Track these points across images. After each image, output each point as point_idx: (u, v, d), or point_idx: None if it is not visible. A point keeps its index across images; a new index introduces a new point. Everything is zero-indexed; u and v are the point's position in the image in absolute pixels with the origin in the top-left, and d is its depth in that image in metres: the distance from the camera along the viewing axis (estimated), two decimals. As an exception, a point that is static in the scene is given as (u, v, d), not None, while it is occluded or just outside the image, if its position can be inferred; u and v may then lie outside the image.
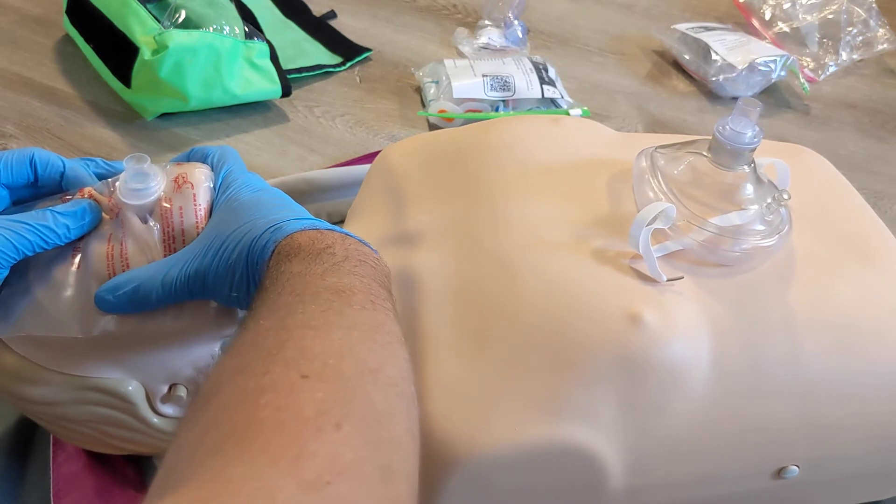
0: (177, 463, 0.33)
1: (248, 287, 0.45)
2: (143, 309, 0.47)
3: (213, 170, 0.52)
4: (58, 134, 0.87)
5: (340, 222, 0.74)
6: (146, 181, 0.49)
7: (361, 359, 0.36)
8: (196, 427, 0.34)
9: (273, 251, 0.44)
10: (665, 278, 0.47)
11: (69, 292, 0.47)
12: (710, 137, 0.50)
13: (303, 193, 0.75)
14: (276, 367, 0.35)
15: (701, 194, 0.50)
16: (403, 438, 0.36)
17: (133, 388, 0.50)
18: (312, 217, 0.47)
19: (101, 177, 0.52)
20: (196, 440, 0.33)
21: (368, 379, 0.36)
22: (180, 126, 0.88)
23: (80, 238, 0.48)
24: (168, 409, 0.51)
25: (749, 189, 0.50)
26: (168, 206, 0.49)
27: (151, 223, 0.49)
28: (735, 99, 1.00)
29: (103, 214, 0.49)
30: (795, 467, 0.50)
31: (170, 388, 0.51)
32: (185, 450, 0.33)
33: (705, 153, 0.50)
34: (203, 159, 0.53)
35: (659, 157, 0.52)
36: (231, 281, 0.45)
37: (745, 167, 0.50)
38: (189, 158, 0.54)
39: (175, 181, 0.50)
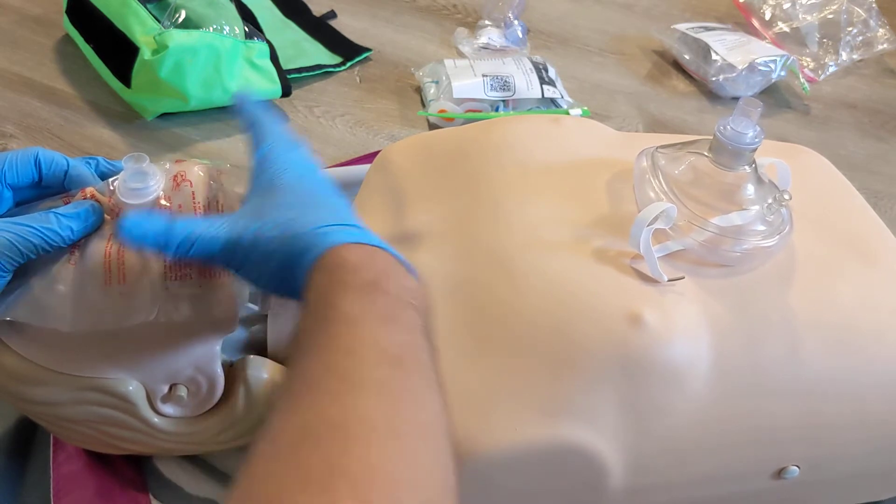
0: None
1: (278, 283, 0.44)
2: (160, 249, 0.44)
3: (253, 141, 0.49)
4: (58, 134, 0.87)
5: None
6: (145, 180, 0.49)
7: (421, 487, 0.34)
8: None
9: (318, 258, 0.42)
10: (666, 278, 0.47)
11: (63, 287, 0.47)
12: (711, 137, 0.50)
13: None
14: (339, 489, 0.32)
15: (702, 194, 0.50)
16: None
17: (133, 388, 0.49)
18: (356, 223, 0.45)
19: (103, 176, 0.52)
20: None
21: None
22: (180, 126, 0.88)
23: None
24: (168, 409, 0.51)
25: (750, 189, 0.50)
26: (167, 204, 0.49)
27: None
28: (735, 99, 1.00)
29: (105, 215, 0.49)
30: (796, 468, 0.50)
31: (170, 388, 0.51)
32: None
33: (706, 153, 0.50)
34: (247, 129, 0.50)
35: (660, 157, 0.52)
36: (261, 270, 0.44)
37: (747, 167, 0.50)
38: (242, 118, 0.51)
39: (174, 179, 0.50)
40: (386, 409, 0.36)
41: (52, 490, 0.55)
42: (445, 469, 0.37)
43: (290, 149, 0.49)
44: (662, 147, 0.53)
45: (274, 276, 0.44)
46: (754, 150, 0.49)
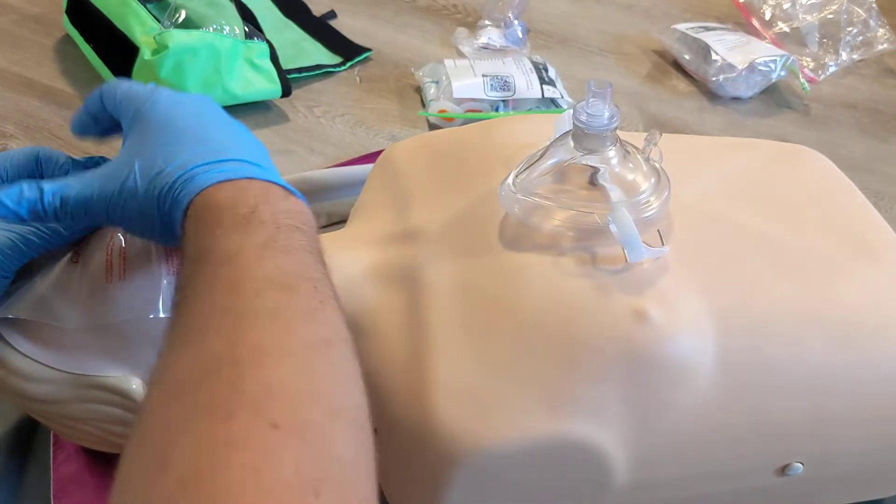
0: None
1: (161, 236, 0.43)
2: (36, 216, 0.44)
3: (109, 107, 0.49)
4: (58, 134, 0.87)
5: (341, 222, 0.74)
6: None
7: (325, 396, 0.34)
8: (159, 483, 0.30)
9: (188, 207, 0.40)
10: (653, 250, 0.47)
11: (66, 283, 0.48)
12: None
13: (303, 193, 0.75)
14: (240, 410, 0.31)
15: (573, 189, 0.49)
16: (369, 492, 0.33)
17: (136, 386, 0.49)
18: (229, 157, 0.42)
19: None
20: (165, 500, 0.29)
21: (335, 422, 0.33)
22: (180, 126, 0.88)
23: None
24: (171, 407, 0.51)
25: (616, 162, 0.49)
26: None
27: None
28: (735, 99, 1.00)
29: None
30: (800, 464, 0.50)
31: (173, 385, 0.51)
32: None
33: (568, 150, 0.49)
34: (99, 102, 0.49)
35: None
36: (142, 225, 0.43)
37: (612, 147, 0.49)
38: (87, 110, 0.50)
39: None
40: (276, 333, 0.35)
41: (52, 490, 0.55)
42: (350, 380, 0.36)
43: (143, 86, 0.48)
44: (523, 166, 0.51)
45: (153, 229, 0.43)
46: (615, 130, 0.48)
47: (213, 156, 0.42)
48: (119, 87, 0.48)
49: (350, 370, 0.36)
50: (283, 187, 0.43)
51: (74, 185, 0.44)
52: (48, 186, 0.44)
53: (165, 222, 0.42)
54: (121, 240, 0.48)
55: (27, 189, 0.43)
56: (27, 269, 0.48)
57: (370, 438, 0.35)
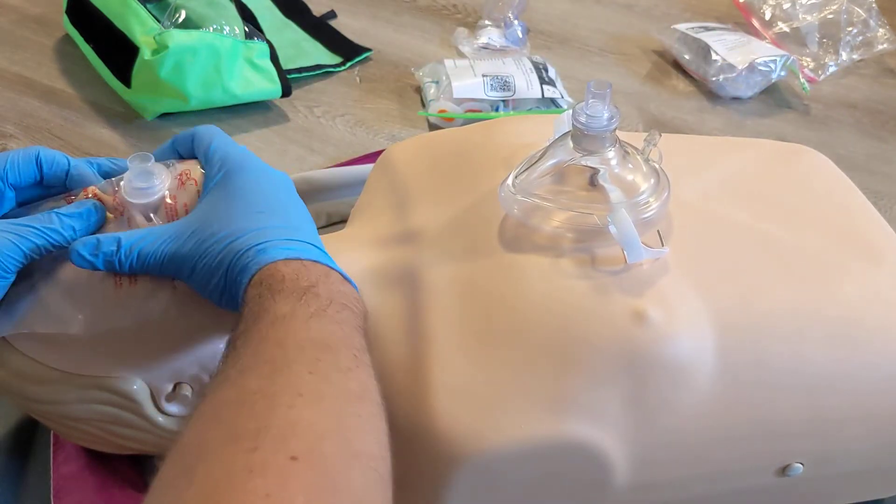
0: None
1: (220, 296, 0.45)
2: (112, 268, 0.46)
3: (197, 152, 0.51)
4: (58, 134, 0.87)
5: (341, 223, 0.74)
6: (150, 180, 0.49)
7: (347, 440, 0.36)
8: (184, 496, 0.33)
9: (254, 275, 0.43)
10: (652, 251, 0.47)
11: (71, 290, 0.48)
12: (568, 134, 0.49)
13: (303, 193, 0.74)
14: (265, 443, 0.34)
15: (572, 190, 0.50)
16: None
17: (138, 387, 0.49)
18: (299, 238, 0.46)
19: (106, 175, 0.52)
20: None
21: (352, 463, 0.36)
22: (180, 126, 0.88)
23: None
24: (173, 408, 0.51)
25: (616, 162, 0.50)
26: (172, 203, 0.49)
27: (156, 221, 0.49)
28: (735, 99, 1.00)
29: (108, 213, 0.49)
30: (800, 465, 0.50)
31: (174, 387, 0.51)
32: None
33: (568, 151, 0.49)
34: (189, 143, 0.52)
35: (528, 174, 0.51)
36: (206, 283, 0.45)
37: (611, 148, 0.49)
38: (173, 145, 0.53)
39: (179, 178, 0.50)
40: (312, 380, 0.38)
41: (52, 490, 0.55)
42: (375, 433, 0.38)
43: (236, 146, 0.50)
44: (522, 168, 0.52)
45: (216, 290, 0.45)
46: (614, 131, 0.48)
47: (288, 234, 0.46)
48: (213, 139, 0.51)
49: (377, 426, 0.39)
50: (341, 273, 0.46)
51: (151, 240, 0.46)
52: (126, 240, 0.46)
53: (231, 286, 0.44)
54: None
55: (105, 242, 0.46)
56: (31, 271, 0.48)
57: (389, 490, 0.37)
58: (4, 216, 0.50)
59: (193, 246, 0.45)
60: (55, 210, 0.47)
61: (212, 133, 0.52)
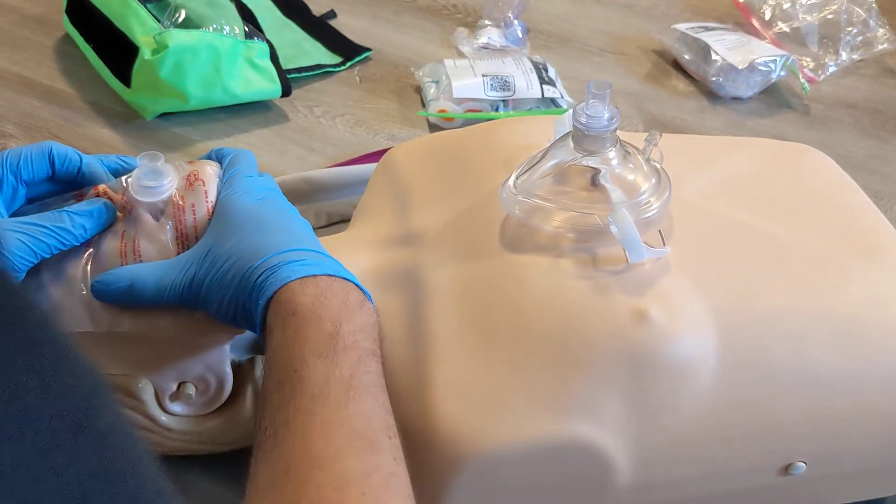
0: None
1: (234, 314, 0.45)
2: (136, 304, 0.47)
3: (223, 171, 0.52)
4: (58, 134, 0.87)
5: (341, 223, 0.74)
6: (159, 179, 0.49)
7: None
8: None
9: (271, 297, 0.44)
10: (654, 251, 0.47)
11: (82, 288, 0.48)
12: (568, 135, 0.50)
13: (303, 193, 0.75)
14: None
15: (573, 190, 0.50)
16: None
17: (142, 386, 0.49)
18: (309, 248, 0.47)
19: (116, 172, 0.52)
20: None
21: None
22: (180, 126, 0.88)
23: None
24: (176, 408, 0.51)
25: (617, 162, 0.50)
26: (181, 203, 0.49)
27: (164, 220, 0.49)
28: (735, 99, 1.00)
29: (116, 212, 0.49)
30: (802, 464, 0.50)
31: (179, 386, 0.51)
32: None
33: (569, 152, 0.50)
34: (219, 160, 0.53)
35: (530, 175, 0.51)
36: (220, 301, 0.45)
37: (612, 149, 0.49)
38: (210, 158, 0.54)
39: (187, 179, 0.50)
40: (349, 461, 0.39)
41: (53, 490, 0.55)
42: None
43: (254, 175, 0.51)
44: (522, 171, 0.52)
45: (232, 313, 0.45)
46: (615, 130, 0.48)
47: (298, 246, 0.46)
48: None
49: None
50: (355, 284, 0.46)
51: (164, 276, 0.47)
52: (143, 283, 0.47)
53: (242, 307, 0.45)
54: (134, 242, 0.48)
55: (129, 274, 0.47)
56: (39, 268, 0.48)
57: None
58: (15, 212, 0.50)
59: (202, 274, 0.46)
60: (66, 209, 0.47)
61: (240, 160, 0.53)
